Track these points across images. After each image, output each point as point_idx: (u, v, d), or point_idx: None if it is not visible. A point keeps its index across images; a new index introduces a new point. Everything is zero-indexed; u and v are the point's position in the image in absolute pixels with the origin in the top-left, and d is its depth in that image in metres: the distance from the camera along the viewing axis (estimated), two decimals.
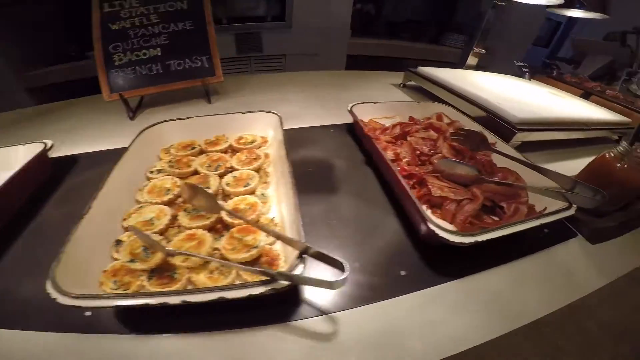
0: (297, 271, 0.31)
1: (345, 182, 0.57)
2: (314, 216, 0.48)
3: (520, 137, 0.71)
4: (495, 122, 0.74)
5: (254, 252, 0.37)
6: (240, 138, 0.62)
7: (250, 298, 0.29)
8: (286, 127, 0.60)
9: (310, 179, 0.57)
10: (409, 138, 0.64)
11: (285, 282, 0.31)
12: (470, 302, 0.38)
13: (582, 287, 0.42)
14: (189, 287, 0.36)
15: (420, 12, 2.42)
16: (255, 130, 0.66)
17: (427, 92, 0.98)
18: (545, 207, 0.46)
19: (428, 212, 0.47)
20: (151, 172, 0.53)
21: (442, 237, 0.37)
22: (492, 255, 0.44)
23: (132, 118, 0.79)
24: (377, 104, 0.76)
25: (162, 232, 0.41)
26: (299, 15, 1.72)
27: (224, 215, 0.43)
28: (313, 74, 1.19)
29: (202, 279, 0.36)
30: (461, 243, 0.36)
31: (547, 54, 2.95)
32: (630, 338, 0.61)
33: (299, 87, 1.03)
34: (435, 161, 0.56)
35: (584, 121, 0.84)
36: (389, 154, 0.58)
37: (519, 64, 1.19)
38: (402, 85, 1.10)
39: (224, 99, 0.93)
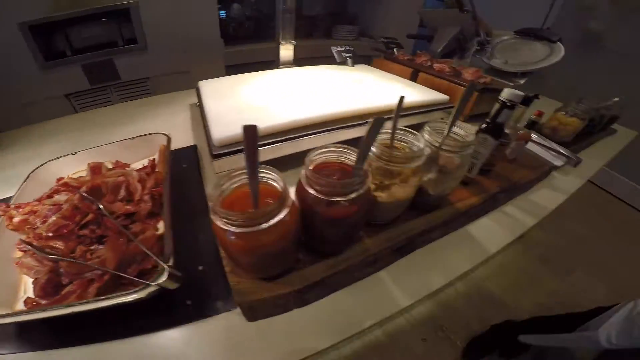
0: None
1: None
2: None
3: (221, 165, 0.57)
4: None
5: None
6: None
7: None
8: None
9: None
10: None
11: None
12: None
13: None
14: None
15: (311, 6, 2.29)
16: None
17: None
18: None
19: None
20: None
21: None
22: None
23: None
24: (77, 154, 0.61)
25: None
26: (154, 35, 1.57)
27: None
28: (102, 111, 1.02)
29: None
30: None
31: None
32: None
33: (66, 133, 0.84)
34: None
35: (370, 111, 0.71)
36: None
37: (339, 49, 1.04)
38: (197, 105, 0.93)
39: None
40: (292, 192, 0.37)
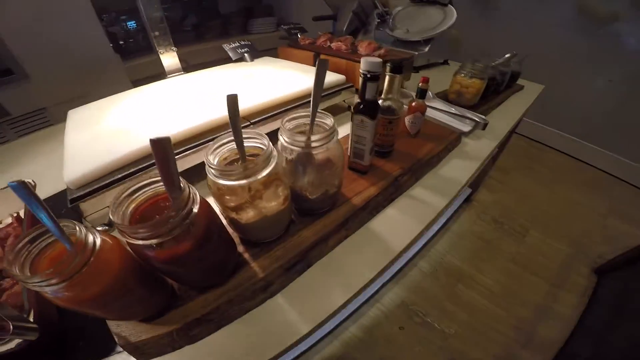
0: None
1: None
2: None
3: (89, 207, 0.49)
4: None
5: None
6: None
7: None
8: None
9: None
10: None
11: None
12: None
13: None
14: None
15: (225, 4, 2.14)
16: None
17: None
18: None
19: None
20: None
21: None
22: None
23: None
24: None
25: None
26: (32, 62, 1.36)
27: None
28: None
29: None
30: None
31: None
32: None
33: None
34: None
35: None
36: None
37: (232, 45, 0.93)
38: None
39: None
40: None
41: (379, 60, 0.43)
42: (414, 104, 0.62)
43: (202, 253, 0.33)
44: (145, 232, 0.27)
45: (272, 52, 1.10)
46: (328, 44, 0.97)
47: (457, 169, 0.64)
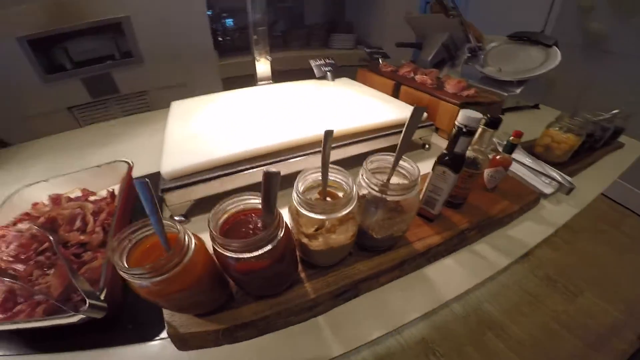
0: None
1: None
2: None
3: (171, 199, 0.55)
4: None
5: None
6: None
7: None
8: None
9: None
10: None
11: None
12: None
13: None
14: None
15: (312, 14, 2.24)
16: None
17: None
18: None
19: None
20: None
21: None
22: None
23: None
24: (49, 181, 0.62)
25: None
26: (148, 47, 1.57)
27: None
28: (85, 130, 1.04)
29: None
30: None
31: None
32: None
33: (47, 155, 0.85)
34: None
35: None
36: None
37: (318, 62, 0.98)
38: None
39: None
40: None
41: (480, 116, 0.41)
42: (498, 157, 0.58)
43: (274, 270, 0.35)
44: (237, 247, 0.30)
45: (347, 69, 1.12)
46: (412, 75, 0.96)
47: (528, 232, 0.59)
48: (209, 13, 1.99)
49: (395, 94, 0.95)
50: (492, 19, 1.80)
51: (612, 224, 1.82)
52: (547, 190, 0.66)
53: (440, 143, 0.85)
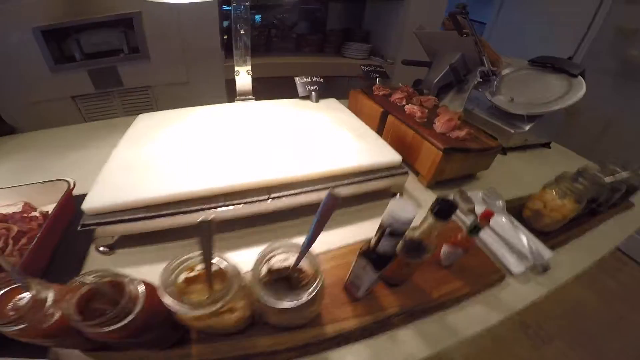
0: None
1: None
2: None
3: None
4: None
5: None
6: None
7: None
8: None
9: None
10: None
11: None
12: None
13: None
14: None
15: (332, 20, 2.12)
16: None
17: None
18: None
19: None
20: None
21: None
22: None
23: None
24: None
25: None
26: (156, 45, 1.56)
27: None
28: (69, 129, 1.04)
29: None
30: None
31: None
32: None
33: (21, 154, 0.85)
34: None
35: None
36: None
37: (303, 80, 0.91)
38: None
39: None
40: None
41: (412, 216, 0.32)
42: (459, 236, 0.48)
43: (144, 338, 0.33)
44: (87, 325, 0.27)
45: (354, 81, 1.02)
46: (403, 103, 0.85)
47: (471, 319, 0.49)
48: (226, 8, 1.93)
49: (382, 123, 0.86)
50: (517, 39, 1.59)
51: (606, 272, 1.67)
52: (517, 269, 0.56)
53: (420, 190, 0.75)
